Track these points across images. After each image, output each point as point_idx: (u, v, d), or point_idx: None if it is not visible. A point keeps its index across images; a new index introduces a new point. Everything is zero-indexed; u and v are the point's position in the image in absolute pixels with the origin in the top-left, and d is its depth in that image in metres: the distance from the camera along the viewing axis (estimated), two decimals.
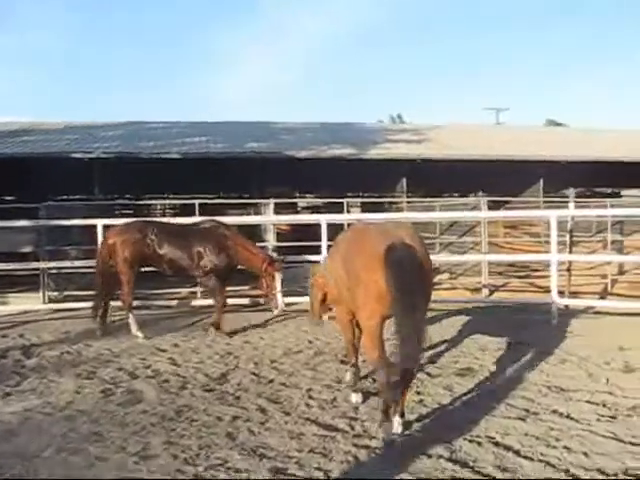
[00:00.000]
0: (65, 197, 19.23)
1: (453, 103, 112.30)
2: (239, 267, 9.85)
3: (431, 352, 8.15)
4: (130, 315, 9.44)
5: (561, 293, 10.67)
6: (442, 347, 8.64)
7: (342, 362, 7.64)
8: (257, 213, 17.33)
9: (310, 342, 9.03)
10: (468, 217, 14.82)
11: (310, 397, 6.30)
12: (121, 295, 9.50)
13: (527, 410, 5.77)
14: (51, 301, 12.97)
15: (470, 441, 5.11)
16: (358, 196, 20.79)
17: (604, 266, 15.06)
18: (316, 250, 11.42)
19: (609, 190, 27.22)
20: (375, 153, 20.23)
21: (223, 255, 9.46)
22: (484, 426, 5.43)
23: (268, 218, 13.03)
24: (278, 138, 22.28)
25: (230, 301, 10.45)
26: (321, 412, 5.82)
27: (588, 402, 5.94)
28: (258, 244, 10.72)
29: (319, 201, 22.17)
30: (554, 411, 5.74)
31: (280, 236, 17.59)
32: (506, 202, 18.97)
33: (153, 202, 20.67)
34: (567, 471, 4.49)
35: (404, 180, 20.38)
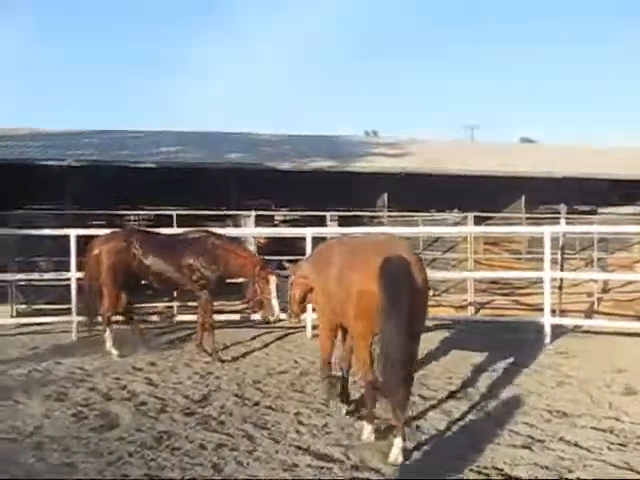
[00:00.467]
0: (36, 206, 18.66)
1: (426, 121, 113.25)
2: (230, 280, 9.58)
3: (422, 372, 7.90)
4: (107, 330, 9.09)
5: (552, 312, 10.40)
6: (434, 368, 8.40)
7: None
8: (236, 225, 16.97)
9: (295, 362, 8.79)
10: (455, 232, 14.61)
11: (299, 422, 6.01)
12: (101, 308, 9.09)
13: (532, 437, 5.53)
14: (19, 315, 12.54)
15: (478, 472, 4.79)
16: (337, 209, 20.44)
17: (589, 283, 14.91)
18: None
19: (587, 207, 27.30)
20: (359, 166, 20.11)
21: (215, 267, 9.04)
22: (489, 455, 5.13)
23: (250, 230, 12.61)
24: (257, 149, 22.07)
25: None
26: (313, 439, 5.51)
27: (594, 428, 5.74)
28: None
29: (296, 214, 21.88)
30: (561, 439, 5.50)
31: (259, 249, 17.28)
32: (487, 218, 18.86)
33: (127, 213, 20.10)
34: None
35: (385, 194, 20.22)
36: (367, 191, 20.44)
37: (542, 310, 11.79)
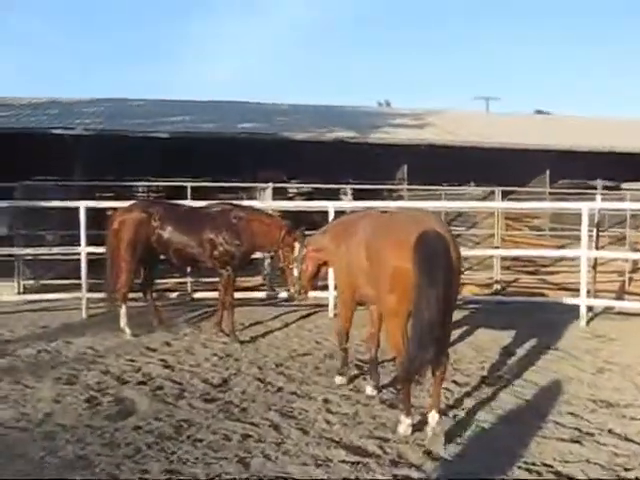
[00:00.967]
0: (43, 177, 18.40)
1: (439, 92, 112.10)
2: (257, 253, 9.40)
3: (453, 356, 7.52)
4: (123, 307, 8.87)
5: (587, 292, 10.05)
6: (465, 351, 8.14)
7: (358, 368, 7.26)
8: (250, 198, 16.66)
9: (318, 343, 8.61)
10: (483, 207, 14.21)
11: (328, 411, 5.73)
12: (117, 283, 8.88)
13: (579, 430, 5.25)
14: (26, 291, 12.25)
15: (527, 470, 4.47)
16: (354, 182, 20.15)
17: (618, 262, 14.50)
18: None
19: (611, 182, 26.75)
20: (378, 137, 19.79)
21: (239, 242, 8.80)
22: (536, 450, 4.82)
23: (268, 204, 12.26)
24: (272, 119, 21.77)
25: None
26: (344, 430, 5.21)
27: None
28: None
29: (312, 186, 21.61)
30: (610, 431, 5.23)
31: None
32: (510, 192, 18.46)
33: (138, 184, 19.86)
34: None
35: (405, 167, 19.87)
36: (386, 163, 20.12)
37: (570, 290, 11.47)
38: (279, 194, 19.46)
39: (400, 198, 18.46)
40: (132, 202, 9.74)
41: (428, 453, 4.71)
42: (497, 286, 13.70)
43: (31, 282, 12.61)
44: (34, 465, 4.40)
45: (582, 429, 5.24)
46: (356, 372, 7.01)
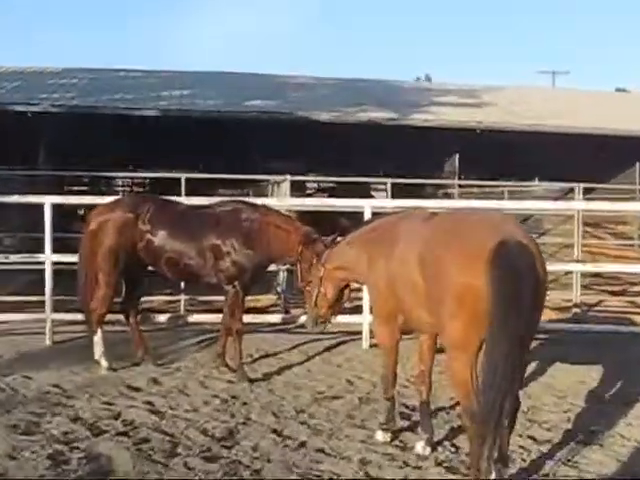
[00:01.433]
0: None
1: (492, 64, 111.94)
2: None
3: (528, 403, 7.39)
4: (98, 333, 8.83)
5: None
6: (542, 395, 7.94)
7: (404, 417, 7.09)
8: (258, 195, 16.56)
9: (350, 382, 8.49)
10: (560, 209, 13.91)
11: (367, 475, 5.52)
12: (93, 302, 8.90)
13: None
14: None
15: None
16: (387, 176, 20.03)
17: None
18: None
19: None
20: (422, 119, 19.61)
21: (250, 251, 8.72)
22: None
23: (285, 202, 12.02)
24: (288, 96, 21.79)
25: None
26: None
27: None
28: None
29: (333, 180, 21.68)
30: None
31: None
32: (589, 190, 18.15)
33: (118, 175, 19.84)
34: None
35: (456, 157, 19.74)
36: (431, 152, 20.08)
37: None
38: (295, 190, 19.48)
39: (449, 197, 18.35)
40: (114, 198, 9.69)
41: None
42: (576, 310, 13.39)
43: None
44: None
45: None
46: (402, 423, 6.87)
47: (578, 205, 13.16)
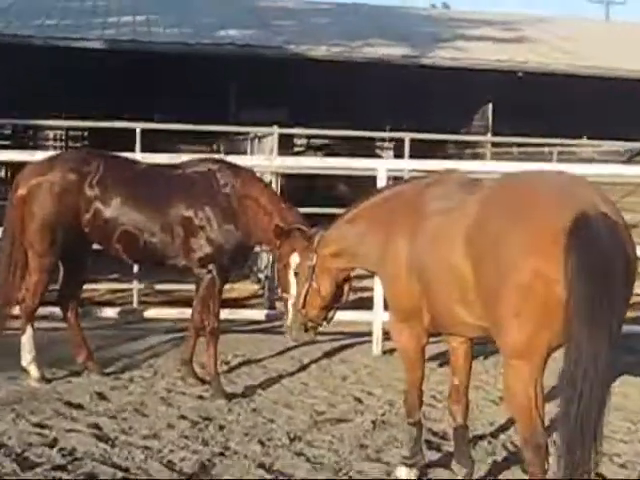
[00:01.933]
0: None
1: None
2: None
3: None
4: (27, 330, 8.71)
5: None
6: (614, 420, 7.57)
7: (431, 445, 6.98)
8: (230, 152, 16.44)
9: (358, 400, 8.39)
10: (629, 175, 13.69)
11: None
12: (20, 290, 8.81)
13: None
14: None
15: None
16: (399, 130, 19.91)
17: None
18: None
19: None
20: (447, 58, 19.44)
21: (232, 226, 8.64)
22: None
23: (276, 161, 11.85)
24: (272, 25, 21.63)
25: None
26: None
27: None
28: None
29: (329, 134, 21.58)
30: None
31: None
32: None
33: (51, 124, 19.69)
34: None
35: (489, 107, 19.55)
36: (457, 101, 19.99)
37: None
38: (282, 147, 19.40)
39: (478, 157, 18.25)
40: (51, 154, 9.54)
41: None
42: None
43: None
44: None
45: None
46: (430, 455, 6.74)
47: None
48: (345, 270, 6.82)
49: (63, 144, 24.99)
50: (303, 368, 9.66)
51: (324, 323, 7.14)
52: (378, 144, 24.75)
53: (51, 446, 6.69)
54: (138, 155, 10.54)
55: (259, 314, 11.17)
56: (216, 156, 9.91)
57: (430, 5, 48.99)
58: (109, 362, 9.40)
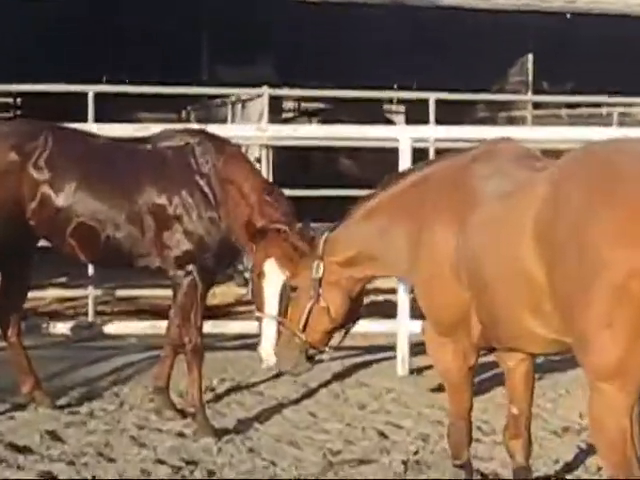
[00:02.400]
0: None
1: None
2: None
3: None
4: None
5: None
6: None
7: None
8: (204, 120, 16.32)
9: (382, 434, 8.35)
10: None
11: None
12: None
13: None
14: None
15: None
16: (416, 89, 19.90)
17: None
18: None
19: None
20: None
21: (215, 215, 8.60)
22: None
23: (269, 131, 11.70)
24: None
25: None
26: None
27: None
28: None
29: (326, 95, 21.58)
30: None
31: None
32: None
33: None
34: None
35: (529, 58, 19.35)
36: (489, 51, 19.84)
37: None
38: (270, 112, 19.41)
39: (516, 122, 18.14)
40: None
41: None
42: None
43: None
44: None
45: None
46: None
47: None
48: (361, 281, 6.76)
49: None
50: (310, 394, 9.58)
51: (327, 349, 7.07)
52: (386, 108, 24.62)
53: None
54: (92, 126, 10.43)
55: (249, 326, 10.83)
56: (195, 126, 9.63)
57: None
58: (62, 391, 9.34)
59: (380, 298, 11.35)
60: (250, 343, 10.86)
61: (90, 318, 11.65)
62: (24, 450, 7.67)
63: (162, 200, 8.56)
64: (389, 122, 20.67)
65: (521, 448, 6.12)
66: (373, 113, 21.51)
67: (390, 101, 23.73)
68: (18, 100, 25.18)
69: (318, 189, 12.74)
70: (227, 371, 10.16)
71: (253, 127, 11.81)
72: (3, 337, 9.09)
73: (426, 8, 18.83)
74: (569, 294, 4.79)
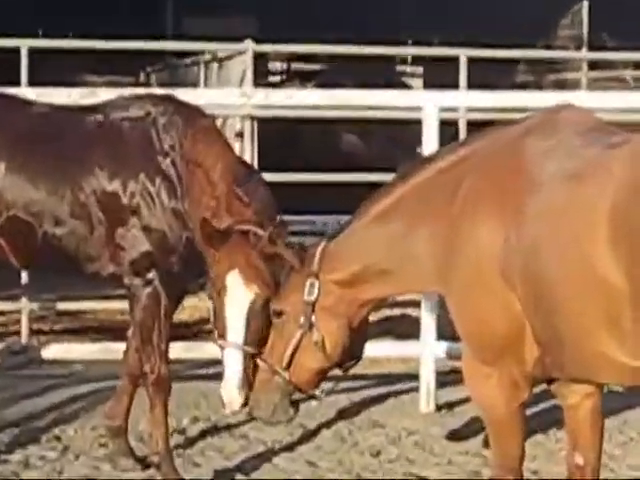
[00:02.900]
0: None
1: None
2: None
3: None
4: None
5: None
6: None
7: None
8: (168, 84, 16.32)
9: None
10: None
11: None
12: None
13: None
14: None
15: None
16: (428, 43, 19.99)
17: None
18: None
19: None
20: None
21: (184, 206, 8.47)
22: None
23: (256, 97, 11.59)
24: None
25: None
26: None
27: None
28: None
29: (324, 50, 21.56)
30: None
31: None
32: None
33: None
34: None
35: (584, 5, 19.31)
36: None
37: None
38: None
39: (566, 86, 18.08)
40: None
41: None
42: None
43: None
44: None
45: None
46: None
47: None
48: (366, 305, 6.49)
49: None
50: (308, 438, 9.53)
51: (318, 393, 6.87)
52: (399, 68, 24.66)
53: None
54: (27, 91, 10.32)
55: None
56: (158, 91, 9.46)
57: None
58: None
59: (396, 312, 11.06)
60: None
61: (24, 339, 11.61)
62: None
63: (115, 187, 8.44)
64: (404, 87, 20.50)
65: None
66: (382, 75, 21.58)
67: (404, 60, 23.70)
68: None
69: (315, 173, 12.62)
70: (200, 407, 10.11)
71: (235, 92, 11.69)
72: None
73: None
74: None
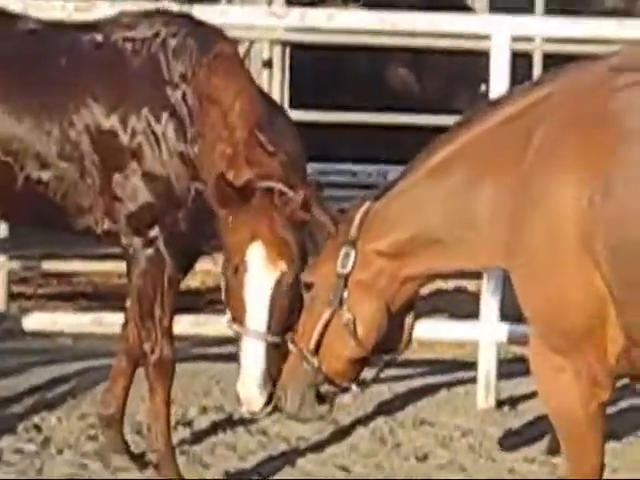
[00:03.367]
0: None
1: None
2: None
3: None
4: None
5: None
6: None
7: None
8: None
9: None
10: None
11: None
12: None
13: None
14: None
15: None
16: None
17: None
18: None
19: None
20: None
21: (193, 153, 8.41)
22: None
23: (288, 18, 11.62)
24: None
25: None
26: None
27: None
28: None
29: None
30: None
31: None
32: None
33: None
34: None
35: None
36: None
37: None
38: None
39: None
40: None
41: None
42: None
43: None
44: None
45: None
46: None
47: None
48: (412, 282, 6.43)
49: None
50: (341, 436, 9.57)
51: (354, 387, 6.72)
52: None
53: None
54: (12, 1, 10.24)
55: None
56: (172, 6, 9.45)
57: None
58: None
59: (450, 285, 11.07)
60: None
61: (1, 305, 11.64)
62: None
63: (112, 123, 8.42)
64: (465, 9, 20.39)
65: None
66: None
67: None
68: None
69: (358, 113, 12.64)
70: (211, 395, 10.08)
71: (263, 11, 11.60)
72: None
73: None
74: None
